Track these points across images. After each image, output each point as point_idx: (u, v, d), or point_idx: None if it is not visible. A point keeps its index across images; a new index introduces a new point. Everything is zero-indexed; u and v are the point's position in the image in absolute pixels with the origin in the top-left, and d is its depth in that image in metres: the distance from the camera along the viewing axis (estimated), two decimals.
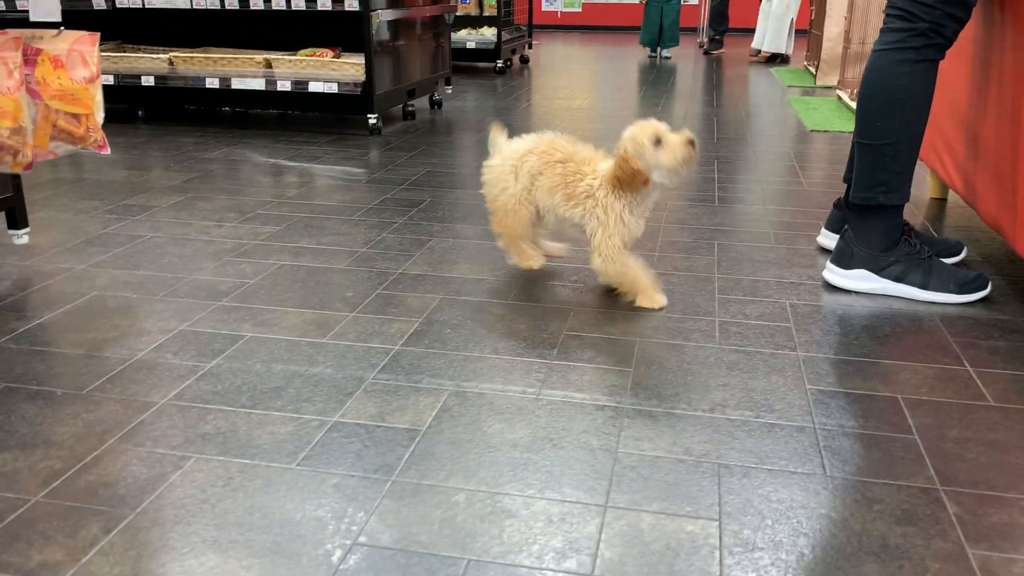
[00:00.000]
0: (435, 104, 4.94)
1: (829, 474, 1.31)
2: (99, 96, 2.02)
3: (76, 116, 1.97)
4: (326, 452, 1.35)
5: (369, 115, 4.02)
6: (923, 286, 2.00)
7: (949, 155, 2.47)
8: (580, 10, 12.90)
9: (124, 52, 4.28)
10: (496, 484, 1.27)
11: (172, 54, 4.16)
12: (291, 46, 4.42)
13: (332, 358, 1.68)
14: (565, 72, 6.96)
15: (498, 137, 2.07)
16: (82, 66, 1.96)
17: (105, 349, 1.71)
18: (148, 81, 4.18)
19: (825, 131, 4.31)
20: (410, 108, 4.52)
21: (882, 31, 1.96)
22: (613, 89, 5.90)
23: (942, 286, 1.99)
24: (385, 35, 4.06)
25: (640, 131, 1.83)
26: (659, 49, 7.99)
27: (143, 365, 1.65)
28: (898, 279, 2.02)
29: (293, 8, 3.94)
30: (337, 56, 4.20)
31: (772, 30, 7.59)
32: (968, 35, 2.22)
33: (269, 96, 4.10)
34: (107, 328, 1.81)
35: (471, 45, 6.74)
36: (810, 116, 4.68)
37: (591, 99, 5.37)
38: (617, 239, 1.89)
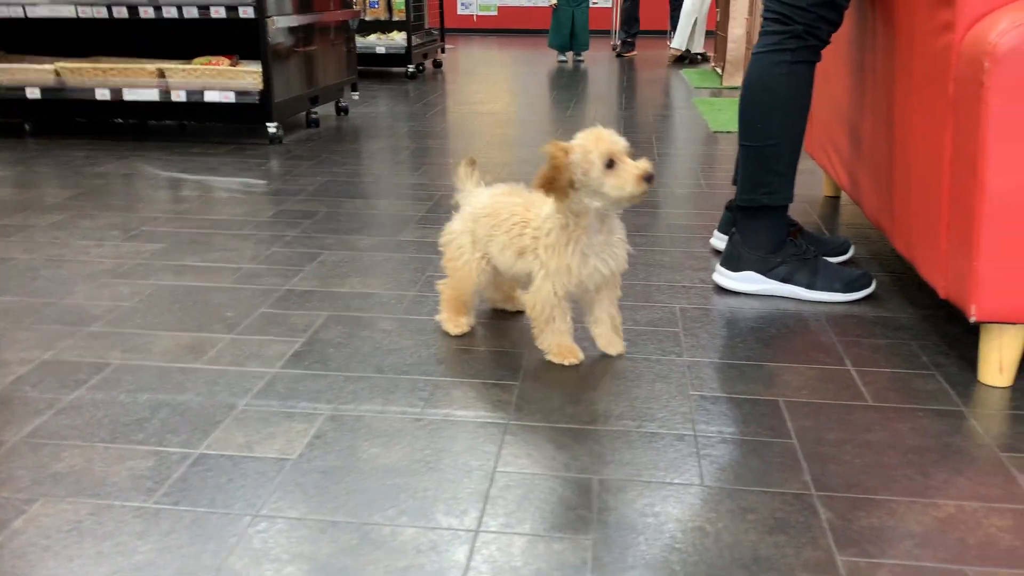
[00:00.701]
0: (341, 111, 4.85)
1: (706, 484, 1.30)
2: None
3: None
4: (187, 487, 1.28)
5: (268, 124, 3.91)
6: (809, 286, 2.02)
7: (836, 154, 2.51)
8: (496, 14, 12.90)
9: (7, 63, 4.08)
10: (364, 514, 1.22)
11: (59, 64, 3.98)
12: (187, 55, 4.28)
13: (203, 384, 1.61)
14: (479, 76, 6.93)
15: (466, 179, 1.84)
16: None
17: None
18: (34, 93, 3.99)
19: (728, 132, 4.37)
20: (314, 115, 4.43)
21: (760, 34, 1.98)
22: (526, 93, 5.90)
23: (827, 285, 2.01)
24: (283, 42, 3.95)
25: (595, 144, 1.52)
26: (570, 53, 8.03)
27: None
28: (785, 280, 2.04)
29: (186, 16, 3.81)
30: (234, 64, 4.08)
31: (680, 27, 7.73)
32: (845, 35, 2.26)
33: (164, 107, 3.96)
34: None
35: (381, 50, 6.65)
36: (714, 117, 4.74)
37: (502, 104, 5.34)
38: (550, 287, 1.61)
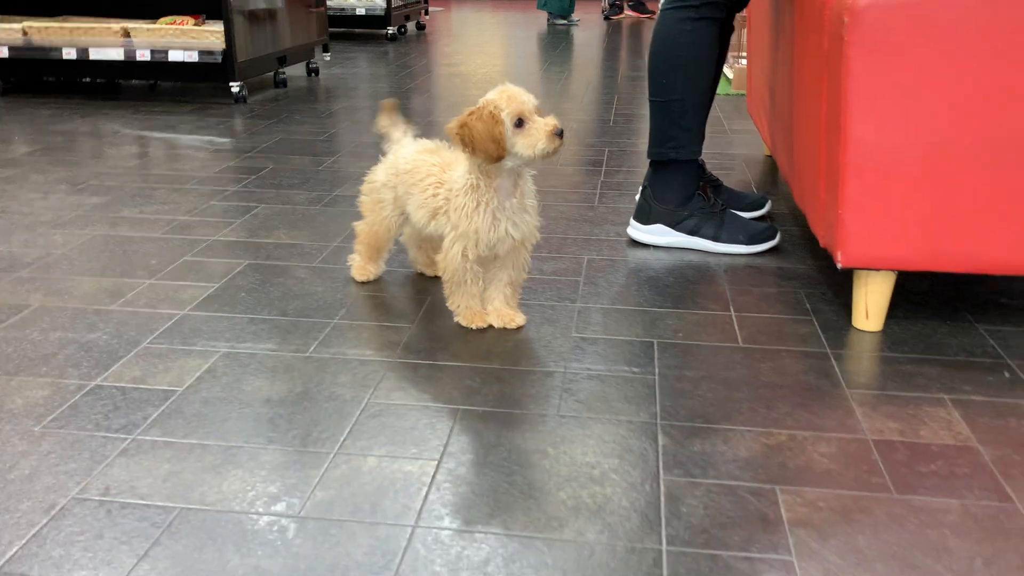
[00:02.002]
0: (312, 71, 4.89)
1: (560, 414, 1.38)
2: None
3: None
4: (75, 414, 1.38)
5: (232, 83, 3.97)
6: (715, 238, 2.09)
7: (764, 113, 2.57)
8: None
9: None
10: (232, 438, 1.31)
11: (26, 23, 4.04)
12: (155, 14, 4.33)
13: (114, 325, 1.70)
14: (462, 39, 6.94)
15: (391, 126, 1.85)
16: None
17: None
18: (2, 52, 4.05)
19: None
20: (281, 76, 4.48)
21: None
22: (504, 55, 5.92)
23: (732, 238, 2.09)
24: (248, 2, 4.00)
25: (505, 103, 1.51)
26: (569, 16, 8.01)
27: None
28: (692, 232, 2.11)
29: None
30: (200, 24, 4.13)
31: None
32: None
33: (129, 66, 4.01)
34: None
35: (361, 12, 6.66)
36: None
37: (478, 66, 5.38)
38: (460, 249, 1.62)
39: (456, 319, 1.71)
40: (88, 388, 1.46)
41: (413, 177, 1.71)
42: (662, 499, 1.17)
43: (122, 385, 1.47)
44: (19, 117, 3.68)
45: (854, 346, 1.62)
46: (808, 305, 1.80)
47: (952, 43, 1.44)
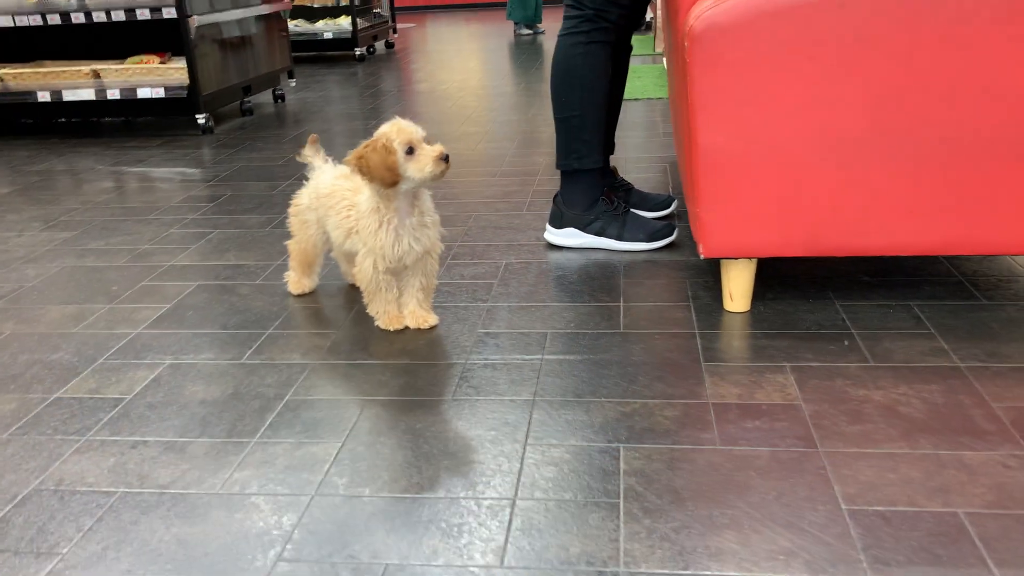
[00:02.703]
0: (278, 98, 5.14)
1: (455, 398, 1.61)
2: None
3: None
4: (37, 422, 1.61)
5: (197, 115, 4.21)
6: (618, 237, 2.32)
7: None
8: None
9: None
10: (171, 435, 1.54)
11: (2, 70, 4.28)
12: (123, 54, 4.57)
13: (75, 345, 1.93)
14: (431, 55, 7.18)
15: (314, 156, 2.08)
16: None
17: None
18: None
19: (636, 99, 4.64)
20: (247, 104, 4.72)
21: (563, 18, 2.26)
22: (471, 70, 6.16)
23: (633, 236, 2.32)
24: (209, 38, 4.24)
25: (396, 134, 1.71)
26: (535, 25, 8.25)
27: None
28: (598, 233, 2.34)
29: (114, 19, 4.10)
30: (165, 61, 4.37)
31: None
32: None
33: (101, 105, 4.26)
34: None
35: (328, 35, 6.92)
36: (628, 85, 5.00)
37: (444, 82, 5.62)
38: (371, 263, 1.83)
39: (376, 323, 1.94)
40: (50, 400, 1.69)
41: (331, 200, 1.94)
42: (523, 461, 1.40)
43: (79, 396, 1.70)
44: None
45: (720, 326, 1.85)
46: (689, 292, 2.03)
47: (777, 60, 1.67)
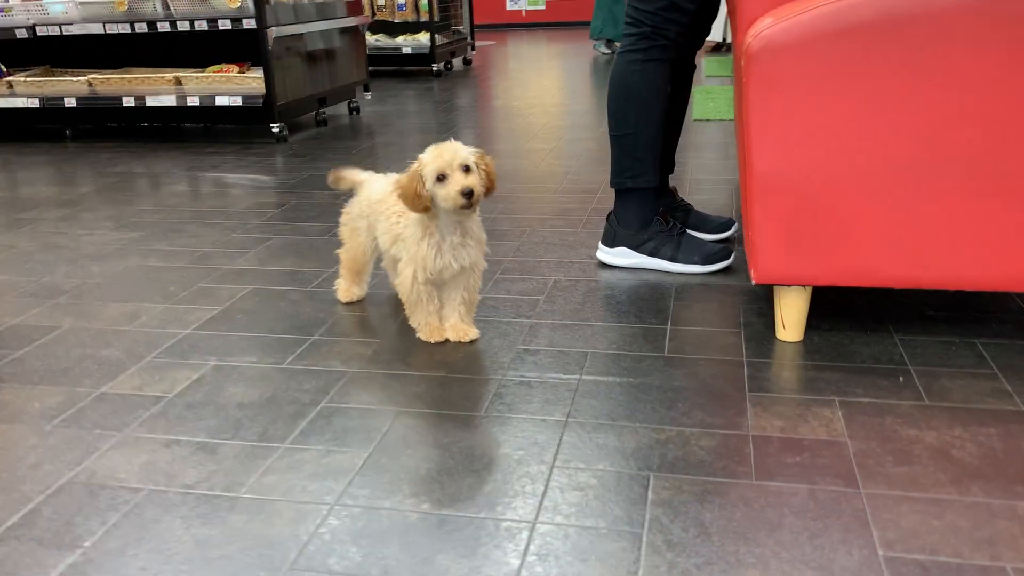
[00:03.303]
0: (353, 110, 5.23)
1: (488, 414, 1.59)
2: None
3: None
4: (80, 416, 1.64)
5: (272, 125, 4.31)
6: (672, 259, 2.27)
7: None
8: (544, 8, 13.15)
9: (51, 76, 4.59)
10: (203, 435, 1.56)
11: (91, 76, 4.46)
12: (204, 63, 4.72)
13: (127, 343, 1.97)
14: (508, 73, 7.23)
15: (350, 179, 2.10)
16: None
17: None
18: (71, 103, 4.49)
19: (708, 120, 4.56)
20: (322, 115, 4.81)
21: (622, 36, 2.23)
22: (546, 87, 6.17)
23: (688, 258, 2.26)
24: (286, 49, 4.34)
25: (431, 160, 1.72)
26: (614, 44, 8.22)
27: None
28: (652, 253, 2.29)
29: (196, 30, 4.23)
30: (244, 71, 4.49)
31: (721, 16, 7.89)
32: None
33: (181, 111, 4.40)
34: None
35: (407, 51, 7.02)
36: (701, 106, 4.93)
37: (518, 98, 5.64)
38: (411, 273, 1.84)
39: (417, 335, 1.93)
40: (95, 395, 1.73)
41: (382, 206, 1.95)
42: (548, 483, 1.36)
43: (123, 392, 1.73)
44: (82, 161, 4.08)
45: (771, 355, 1.78)
46: (742, 319, 1.96)
47: (836, 82, 1.61)
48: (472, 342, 1.91)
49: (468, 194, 1.69)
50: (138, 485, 1.41)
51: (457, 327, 1.91)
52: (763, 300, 2.06)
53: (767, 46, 1.64)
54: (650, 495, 1.32)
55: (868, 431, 1.48)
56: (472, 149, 1.76)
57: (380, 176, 2.07)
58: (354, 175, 2.12)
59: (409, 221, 1.85)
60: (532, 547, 1.22)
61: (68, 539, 1.28)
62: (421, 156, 1.76)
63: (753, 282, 1.78)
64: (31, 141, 4.63)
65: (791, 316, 1.81)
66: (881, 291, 2.08)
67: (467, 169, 1.72)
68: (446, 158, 1.71)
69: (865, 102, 1.60)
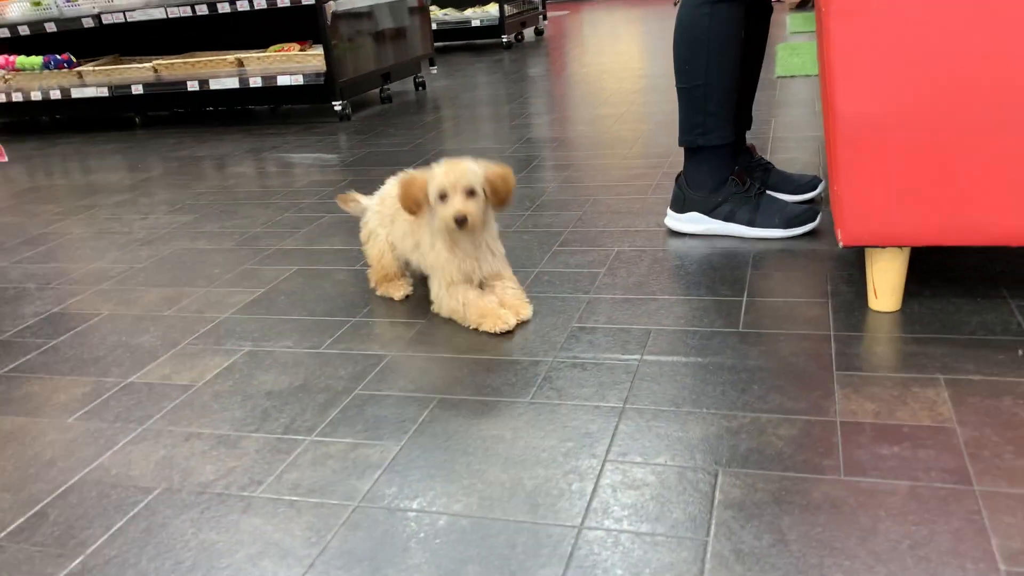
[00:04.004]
0: (419, 85, 5.09)
1: (533, 400, 1.42)
2: None
3: None
4: (104, 408, 1.54)
5: (334, 103, 4.20)
6: (750, 223, 2.04)
7: None
8: None
9: (118, 65, 4.60)
10: (226, 428, 1.43)
11: (156, 62, 4.45)
12: (266, 44, 4.65)
13: (163, 329, 1.87)
14: (583, 41, 6.99)
15: (355, 202, 2.06)
16: None
17: None
18: (138, 90, 4.48)
19: (792, 76, 4.25)
20: (386, 92, 4.69)
21: None
22: (620, 56, 5.92)
23: (767, 222, 2.03)
24: (347, 25, 4.22)
25: (437, 177, 1.66)
26: None
27: (1, 345, 1.87)
28: (727, 218, 2.07)
29: (256, 8, 4.15)
30: (305, 49, 4.40)
31: None
32: None
33: (244, 93, 4.34)
34: None
35: (476, 23, 6.84)
36: (786, 62, 4.61)
37: (590, 69, 5.41)
38: (438, 280, 1.76)
39: (482, 329, 1.69)
40: (122, 385, 1.63)
41: (397, 202, 1.80)
42: (598, 481, 1.18)
43: (150, 382, 1.63)
44: (147, 147, 4.06)
45: (862, 328, 1.55)
46: (829, 287, 1.73)
47: (932, 3, 1.36)
48: (524, 321, 1.73)
49: (460, 221, 1.63)
50: (151, 484, 1.29)
51: (510, 304, 1.74)
52: (853, 266, 1.82)
53: None
54: (717, 495, 1.13)
55: (981, 415, 1.24)
56: (483, 170, 1.67)
57: (386, 186, 1.95)
58: (360, 199, 2.05)
59: (421, 226, 1.77)
60: (576, 557, 1.04)
61: (70, 546, 1.17)
62: (433, 167, 1.68)
63: (841, 245, 1.55)
64: (103, 130, 4.65)
65: (886, 282, 1.57)
66: (992, 251, 1.81)
67: (471, 192, 1.65)
68: (451, 178, 1.65)
69: (972, 23, 1.35)
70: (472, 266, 1.74)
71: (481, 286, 1.78)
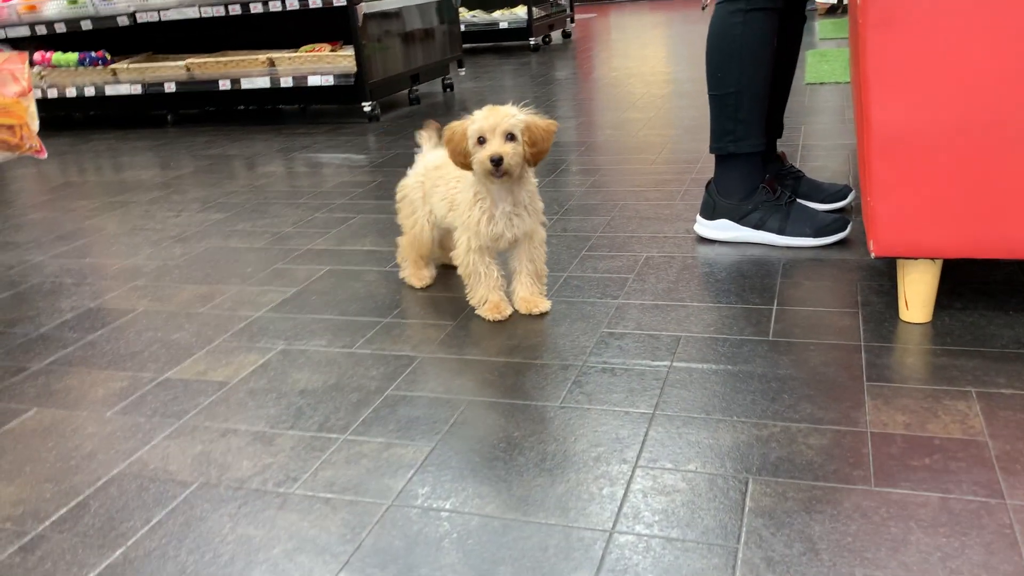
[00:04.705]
0: (447, 87, 5.12)
1: (563, 405, 1.43)
2: (32, 108, 2.30)
3: (10, 127, 2.26)
4: (140, 402, 1.57)
5: (364, 103, 4.24)
6: (780, 231, 2.05)
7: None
8: None
9: (151, 63, 4.66)
10: (262, 425, 1.46)
11: (188, 61, 4.50)
12: (297, 44, 4.69)
13: (197, 326, 1.91)
14: (608, 44, 6.99)
15: (427, 140, 2.01)
16: (12, 82, 2.25)
17: (17, 326, 1.99)
18: (171, 88, 4.54)
19: (822, 83, 4.24)
20: (415, 93, 4.72)
21: None
22: (645, 59, 5.92)
23: (798, 230, 2.03)
24: (378, 26, 4.26)
25: (479, 121, 1.64)
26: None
27: (41, 338, 1.91)
28: (757, 226, 2.07)
29: (288, 8, 4.20)
30: (336, 50, 4.44)
31: None
32: None
33: (275, 93, 4.38)
34: (28, 308, 2.10)
35: (504, 25, 6.87)
36: (815, 69, 4.60)
37: (615, 70, 5.42)
38: (466, 240, 1.76)
39: (477, 312, 1.78)
40: (159, 380, 1.66)
41: (440, 172, 1.85)
42: (629, 486, 1.20)
43: (186, 378, 1.66)
44: (179, 145, 4.12)
45: (893, 339, 1.55)
46: (859, 298, 1.73)
47: (970, 15, 1.36)
48: (543, 315, 1.76)
49: (496, 162, 1.60)
50: (188, 478, 1.32)
51: (526, 299, 1.78)
52: (884, 277, 1.82)
53: None
54: (748, 502, 1.14)
55: (1014, 429, 1.24)
56: (526, 117, 1.65)
57: (437, 150, 1.94)
58: (433, 139, 2.01)
59: (464, 187, 1.75)
60: (607, 561, 1.05)
61: (111, 536, 1.19)
62: (475, 113, 1.66)
63: (873, 255, 1.55)
64: (136, 127, 4.72)
65: (917, 294, 1.57)
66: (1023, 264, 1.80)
67: (511, 137, 1.63)
68: (491, 122, 1.63)
69: (1007, 36, 1.35)
70: (502, 227, 1.72)
71: (513, 245, 1.78)
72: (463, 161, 1.67)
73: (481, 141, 1.63)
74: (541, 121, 1.67)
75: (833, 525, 1.08)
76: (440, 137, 1.98)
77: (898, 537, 1.05)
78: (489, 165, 1.61)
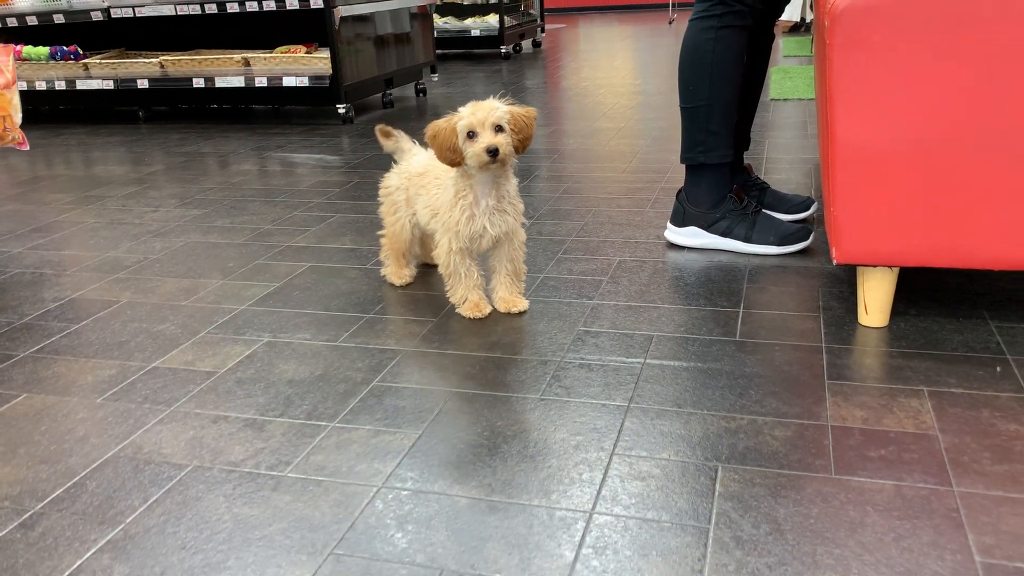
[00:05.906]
0: (420, 92, 5.18)
1: (543, 397, 1.50)
2: (16, 100, 2.33)
3: None
4: (131, 390, 1.62)
5: (338, 106, 4.28)
6: (746, 239, 2.14)
7: None
8: None
9: (124, 59, 4.65)
10: (252, 412, 1.51)
11: (162, 58, 4.51)
12: (272, 45, 4.72)
13: (182, 318, 1.95)
14: (577, 55, 7.10)
15: (396, 143, 2.06)
16: None
17: None
18: (143, 84, 4.54)
19: (785, 99, 4.38)
20: (388, 97, 4.77)
21: (695, 1, 2.11)
22: (609, 67, 6.04)
23: (763, 239, 2.13)
24: (353, 30, 4.31)
25: (467, 116, 1.70)
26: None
27: (25, 327, 1.94)
28: (724, 233, 2.17)
29: (264, 9, 4.23)
30: (311, 52, 4.48)
31: None
32: None
33: (250, 92, 4.41)
34: (10, 298, 2.12)
35: (476, 33, 6.95)
36: (779, 85, 4.74)
37: (581, 78, 5.52)
38: (447, 242, 1.81)
39: (458, 311, 1.86)
40: (147, 369, 1.70)
41: (423, 179, 1.90)
42: (607, 472, 1.27)
43: (174, 367, 1.70)
44: (152, 141, 4.12)
45: (852, 342, 1.65)
46: (821, 303, 1.83)
47: (928, 42, 1.47)
48: (521, 313, 1.83)
49: (493, 152, 1.67)
50: (183, 461, 1.36)
51: (505, 298, 1.85)
52: (844, 283, 1.93)
53: (853, 4, 1.50)
54: (718, 487, 1.22)
55: (962, 424, 1.34)
56: (509, 108, 1.73)
57: (419, 149, 2.01)
58: (403, 140, 2.07)
59: (445, 187, 1.81)
60: (588, 539, 1.13)
61: (110, 514, 1.24)
62: (460, 110, 1.72)
63: (834, 263, 1.65)
64: (107, 123, 4.71)
65: (875, 300, 1.67)
66: (974, 273, 1.92)
67: (499, 129, 1.70)
68: (479, 116, 1.69)
69: (961, 62, 1.45)
70: (484, 224, 1.78)
71: (494, 245, 1.84)
72: (452, 157, 1.72)
73: (471, 135, 1.69)
74: (522, 109, 1.75)
75: (797, 508, 1.16)
76: (387, 138, 2.06)
77: (856, 520, 1.14)
78: (487, 156, 1.67)
